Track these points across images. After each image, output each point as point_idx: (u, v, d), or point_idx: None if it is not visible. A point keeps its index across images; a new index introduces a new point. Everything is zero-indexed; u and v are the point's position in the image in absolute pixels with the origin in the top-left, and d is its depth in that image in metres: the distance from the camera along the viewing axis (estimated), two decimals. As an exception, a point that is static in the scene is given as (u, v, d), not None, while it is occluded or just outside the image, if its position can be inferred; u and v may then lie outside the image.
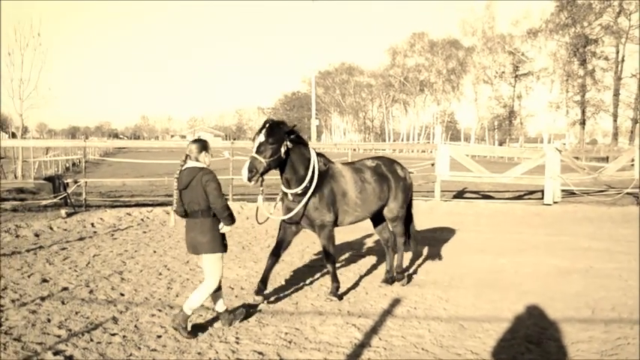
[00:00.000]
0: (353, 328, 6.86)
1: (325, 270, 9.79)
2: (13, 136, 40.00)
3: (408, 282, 9.09)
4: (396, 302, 7.97)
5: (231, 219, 6.50)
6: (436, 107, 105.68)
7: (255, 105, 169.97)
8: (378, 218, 9.15)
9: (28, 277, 9.21)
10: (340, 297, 8.12)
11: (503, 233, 14.09)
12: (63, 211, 15.66)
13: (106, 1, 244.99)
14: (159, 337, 6.51)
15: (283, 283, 9.10)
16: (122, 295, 8.20)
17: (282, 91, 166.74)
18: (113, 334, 6.56)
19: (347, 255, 11.23)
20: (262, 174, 7.22)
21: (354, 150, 23.37)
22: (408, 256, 10.68)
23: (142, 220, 15.44)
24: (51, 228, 13.89)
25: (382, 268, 10.00)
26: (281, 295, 8.35)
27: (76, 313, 7.33)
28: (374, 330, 6.81)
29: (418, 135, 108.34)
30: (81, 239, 12.61)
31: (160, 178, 20.51)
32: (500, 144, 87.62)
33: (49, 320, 7.03)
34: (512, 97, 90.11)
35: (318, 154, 7.96)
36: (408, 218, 9.40)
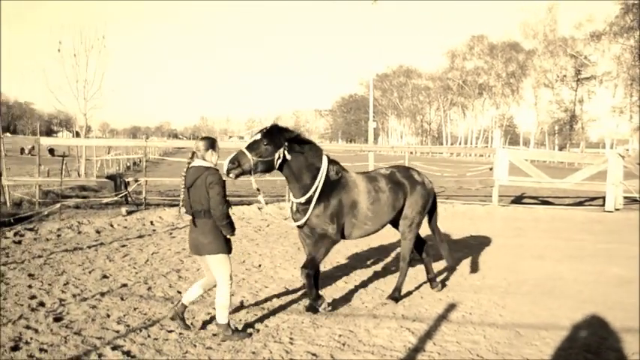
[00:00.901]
0: (407, 332, 6.81)
1: (380, 272, 9.78)
2: (77, 135, 41.06)
3: (442, 287, 8.94)
4: (451, 307, 7.89)
5: (230, 227, 6.32)
6: (495, 111, 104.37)
7: (313, 107, 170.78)
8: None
9: (89, 272, 9.45)
10: (397, 299, 8.10)
11: (562, 240, 13.78)
12: (123, 209, 16.02)
13: (168, 2, 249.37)
14: (214, 335, 6.58)
15: (337, 284, 9.09)
16: (179, 292, 8.33)
17: (340, 94, 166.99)
18: (170, 331, 6.68)
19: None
20: (247, 172, 6.80)
21: (411, 153, 23.21)
22: (463, 261, 10.53)
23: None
24: (111, 225, 14.21)
25: (440, 272, 9.93)
26: (335, 297, 8.34)
27: (135, 309, 7.48)
28: (428, 334, 6.75)
29: (476, 139, 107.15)
30: (140, 237, 12.88)
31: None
32: (561, 149, 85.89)
33: (108, 315, 7.20)
34: (574, 102, 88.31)
35: (332, 162, 7.53)
36: (433, 229, 9.17)
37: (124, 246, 11.77)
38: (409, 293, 8.65)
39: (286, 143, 6.98)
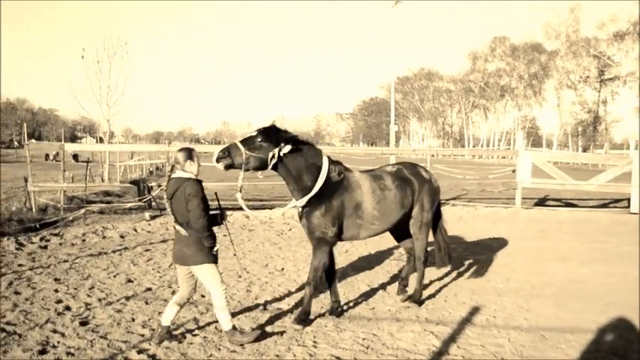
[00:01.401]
0: (431, 335, 6.80)
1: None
2: (101, 140, 41.48)
3: (407, 298, 8.27)
4: (474, 310, 7.85)
5: (211, 239, 6.24)
6: (517, 113, 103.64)
7: (334, 110, 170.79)
8: (400, 230, 8.36)
9: (114, 277, 9.55)
10: (419, 301, 8.07)
11: (586, 242, 13.66)
12: (147, 214, 16.16)
13: (187, 4, 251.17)
14: (238, 338, 6.62)
15: (360, 287, 9.09)
16: (203, 296, 8.37)
17: (361, 97, 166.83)
18: (194, 335, 6.74)
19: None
20: (237, 166, 6.71)
21: (433, 156, 23.15)
22: (478, 265, 10.49)
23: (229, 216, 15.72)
24: (135, 230, 14.33)
25: (462, 276, 9.90)
26: (359, 300, 8.36)
27: (159, 313, 7.52)
28: (452, 338, 6.73)
29: (498, 141, 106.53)
30: (164, 241, 12.96)
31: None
32: (584, 150, 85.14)
33: (133, 319, 7.28)
34: (597, 103, 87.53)
35: (334, 162, 7.39)
36: (436, 226, 8.75)
37: (147, 250, 11.87)
38: (432, 296, 8.63)
39: (282, 144, 6.84)
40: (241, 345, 6.35)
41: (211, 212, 6.43)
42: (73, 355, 6.09)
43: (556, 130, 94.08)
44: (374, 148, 60.37)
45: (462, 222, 16.79)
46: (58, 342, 6.43)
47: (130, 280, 9.32)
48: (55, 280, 9.22)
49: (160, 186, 18.45)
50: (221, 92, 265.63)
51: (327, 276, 7.63)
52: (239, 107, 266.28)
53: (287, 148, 6.86)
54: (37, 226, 13.82)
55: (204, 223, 6.11)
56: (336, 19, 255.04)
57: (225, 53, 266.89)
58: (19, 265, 10.26)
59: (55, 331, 6.72)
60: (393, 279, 9.64)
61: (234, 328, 6.45)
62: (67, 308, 7.70)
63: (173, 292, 8.58)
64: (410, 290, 8.46)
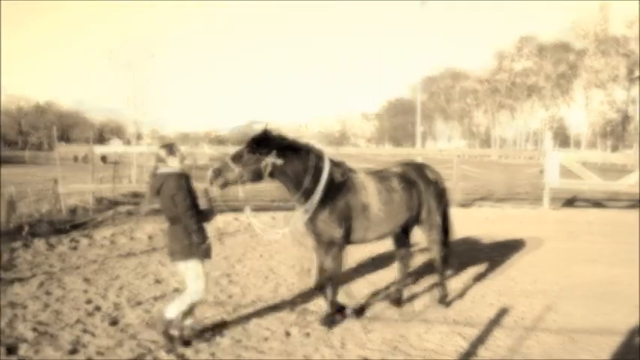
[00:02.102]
0: (459, 336, 6.78)
1: (430, 276, 9.71)
2: (128, 142, 41.86)
3: (400, 304, 8.12)
4: (502, 312, 7.81)
5: (200, 234, 6.28)
6: (544, 112, 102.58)
7: (359, 111, 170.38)
8: (400, 234, 8.21)
9: (142, 277, 9.65)
10: (445, 302, 8.07)
11: (616, 243, 13.49)
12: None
13: (222, 6, 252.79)
14: (266, 339, 6.66)
15: (387, 288, 9.07)
16: (230, 297, 8.44)
17: (386, 98, 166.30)
18: (222, 336, 6.77)
19: (452, 263, 11.01)
20: (232, 182, 6.61)
21: (458, 156, 23.01)
22: (502, 265, 10.42)
23: (249, 224, 15.76)
24: (162, 231, 14.42)
25: (490, 276, 9.83)
26: (385, 301, 8.34)
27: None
28: (480, 339, 6.70)
29: (525, 141, 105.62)
30: (191, 242, 13.03)
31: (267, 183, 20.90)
32: (613, 150, 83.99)
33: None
34: (627, 102, 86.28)
35: (336, 164, 7.29)
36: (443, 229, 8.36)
37: (175, 251, 11.94)
38: (459, 297, 8.59)
39: (275, 151, 6.69)
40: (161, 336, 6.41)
41: (201, 208, 6.48)
42: (102, 354, 6.18)
43: (584, 129, 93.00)
44: (399, 149, 60.15)
45: (489, 222, 16.69)
46: (89, 341, 6.53)
47: (158, 281, 9.41)
48: (85, 280, 9.35)
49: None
50: (246, 93, 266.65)
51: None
52: (264, 108, 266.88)
53: (279, 159, 6.72)
54: (67, 227, 14.00)
55: (192, 219, 6.16)
56: (363, 19, 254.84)
57: (250, 53, 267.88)
58: (50, 266, 10.41)
59: (85, 331, 6.82)
60: (419, 280, 9.60)
61: (170, 321, 6.38)
62: (97, 308, 7.81)
63: (201, 293, 8.66)
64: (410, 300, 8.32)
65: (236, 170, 6.55)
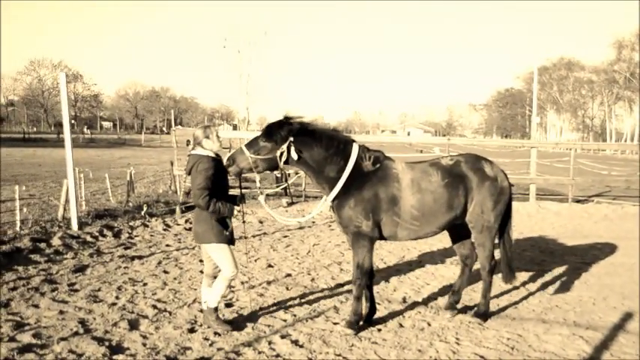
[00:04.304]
0: (580, 340, 6.45)
1: (546, 275, 9.38)
2: (235, 128, 42.76)
3: (456, 314, 7.31)
4: (627, 316, 7.38)
5: (216, 214, 6.24)
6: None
7: (467, 101, 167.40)
8: (459, 230, 7.34)
9: (255, 261, 9.82)
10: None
11: None
12: (284, 201, 16.51)
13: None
14: (379, 330, 6.61)
15: (502, 286, 8.73)
16: (341, 285, 8.44)
17: (495, 88, 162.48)
18: (335, 323, 6.77)
19: (572, 262, 10.58)
20: (246, 170, 6.40)
21: (570, 149, 22.02)
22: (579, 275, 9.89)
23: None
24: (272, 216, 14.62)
25: (612, 278, 9.35)
26: (501, 299, 8.10)
27: (300, 299, 7.66)
28: (604, 344, 6.36)
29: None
30: (301, 228, 13.19)
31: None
32: None
33: (274, 304, 7.42)
34: None
35: (372, 151, 6.77)
36: (502, 233, 7.36)
37: (285, 236, 12.12)
38: (580, 299, 8.19)
39: (292, 138, 6.30)
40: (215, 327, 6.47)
41: (230, 194, 6.61)
42: (220, 335, 6.30)
43: None
44: (509, 141, 58.34)
45: (607, 220, 15.93)
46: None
47: (270, 265, 9.55)
48: (200, 261, 9.57)
49: (297, 173, 18.75)
50: (352, 81, 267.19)
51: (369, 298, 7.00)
52: (370, 96, 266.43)
53: (296, 146, 6.36)
54: (184, 209, 14.43)
55: (203, 202, 6.14)
56: (472, 8, 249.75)
57: (357, 42, 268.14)
58: (167, 246, 10.78)
59: (201, 311, 6.96)
60: (536, 279, 9.26)
61: (215, 310, 6.52)
62: (212, 290, 7.99)
63: (312, 280, 8.72)
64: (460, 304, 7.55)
65: (250, 158, 6.30)
